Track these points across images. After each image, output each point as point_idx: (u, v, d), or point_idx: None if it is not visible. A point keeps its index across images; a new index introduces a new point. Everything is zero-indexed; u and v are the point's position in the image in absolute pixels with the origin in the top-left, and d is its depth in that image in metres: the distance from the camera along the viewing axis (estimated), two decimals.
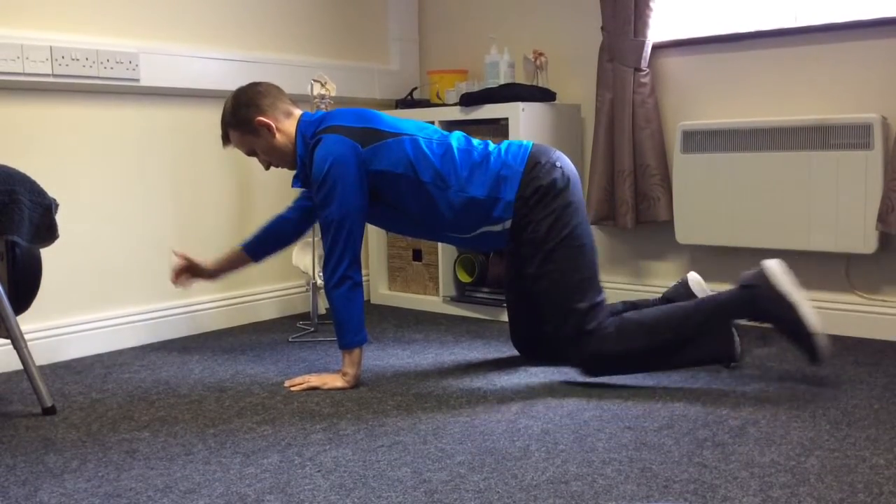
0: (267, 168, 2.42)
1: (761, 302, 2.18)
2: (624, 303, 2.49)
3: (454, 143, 2.31)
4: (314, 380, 2.29)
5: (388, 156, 2.25)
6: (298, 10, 3.32)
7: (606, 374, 2.25)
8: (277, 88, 2.39)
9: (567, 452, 1.76)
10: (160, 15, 2.88)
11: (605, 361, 2.22)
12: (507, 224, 2.28)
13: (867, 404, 2.04)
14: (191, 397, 2.23)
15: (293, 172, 2.59)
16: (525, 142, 2.35)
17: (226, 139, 2.40)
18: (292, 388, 2.27)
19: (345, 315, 2.26)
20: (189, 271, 2.60)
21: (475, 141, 2.35)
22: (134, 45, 2.77)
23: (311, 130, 2.31)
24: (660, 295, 2.47)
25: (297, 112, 2.38)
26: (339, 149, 2.22)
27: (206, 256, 2.62)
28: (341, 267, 2.24)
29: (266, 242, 2.61)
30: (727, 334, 2.20)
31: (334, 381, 2.28)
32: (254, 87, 2.37)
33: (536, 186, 2.24)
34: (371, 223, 2.42)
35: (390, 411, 2.07)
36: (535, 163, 2.27)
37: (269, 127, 2.32)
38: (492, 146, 2.34)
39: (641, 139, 3.01)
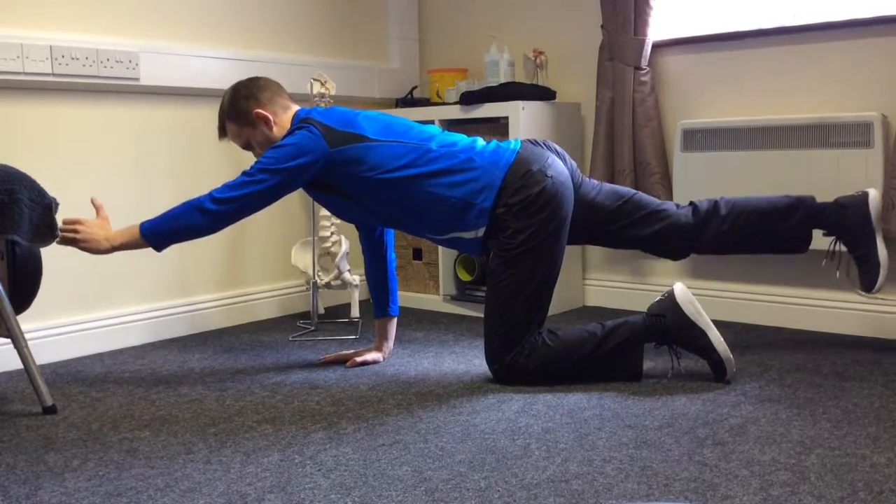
0: None
1: (672, 331, 2.24)
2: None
3: (433, 146, 2.27)
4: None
5: (356, 158, 2.23)
6: (298, 9, 3.32)
7: (516, 384, 2.26)
8: (277, 84, 2.39)
9: (567, 451, 1.76)
10: (160, 14, 2.88)
11: (518, 374, 2.25)
12: (481, 232, 2.26)
13: (867, 403, 2.04)
14: (191, 396, 2.23)
15: None
16: (514, 143, 2.32)
17: (222, 131, 2.40)
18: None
19: (177, 223, 2.17)
20: (356, 356, 2.53)
21: (461, 143, 2.31)
22: (134, 45, 2.77)
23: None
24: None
25: (295, 107, 2.39)
26: (308, 140, 2.22)
27: (376, 347, 2.58)
28: (232, 195, 2.17)
29: (382, 292, 2.55)
30: (635, 360, 2.26)
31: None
32: (254, 80, 2.37)
33: (525, 195, 2.21)
34: (351, 220, 2.43)
35: (391, 410, 2.07)
36: (525, 170, 2.23)
37: (266, 120, 2.32)
38: (478, 148, 2.29)
39: (641, 138, 3.01)
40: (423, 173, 2.24)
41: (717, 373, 2.25)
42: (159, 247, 2.20)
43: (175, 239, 2.20)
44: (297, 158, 2.20)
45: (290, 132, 2.28)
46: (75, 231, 2.18)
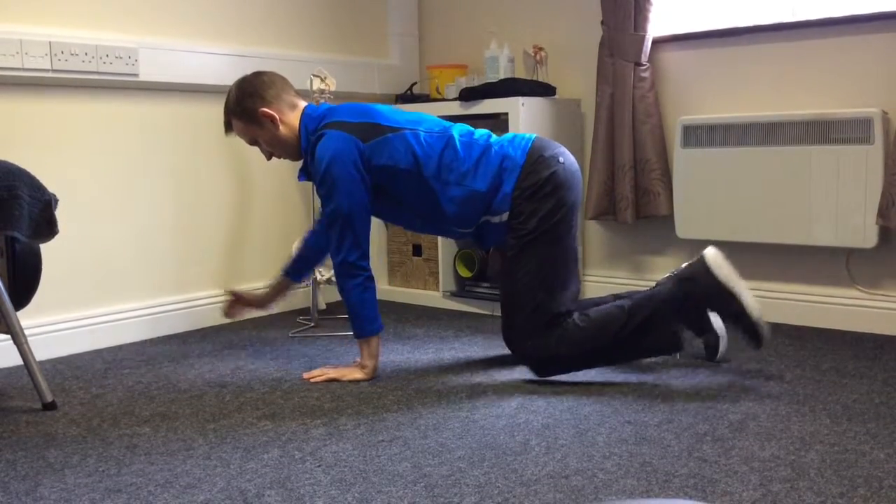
0: (269, 158, 2.43)
1: (702, 294, 2.18)
2: (615, 296, 2.48)
3: (456, 135, 2.30)
4: (332, 372, 2.31)
5: (389, 150, 2.25)
6: (298, 5, 3.32)
7: (553, 374, 2.25)
8: (282, 79, 2.38)
9: (567, 447, 1.76)
10: (159, 10, 2.88)
11: (554, 364, 2.24)
12: (505, 216, 2.27)
13: (867, 398, 2.04)
14: (191, 392, 2.23)
15: (294, 166, 2.61)
16: (529, 134, 2.34)
17: (228, 127, 2.40)
18: (312, 380, 2.29)
19: (358, 305, 2.27)
20: (239, 304, 2.65)
21: (477, 132, 2.34)
22: (133, 40, 2.77)
23: (313, 125, 2.32)
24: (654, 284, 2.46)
25: (302, 104, 2.38)
26: (339, 145, 2.22)
27: (257, 294, 2.70)
28: (350, 259, 2.25)
29: (303, 260, 2.62)
30: (671, 328, 2.19)
31: (353, 373, 2.30)
32: (259, 76, 2.36)
33: (535, 180, 2.23)
34: (376, 217, 2.42)
35: (390, 406, 2.07)
36: (538, 155, 2.26)
37: (272, 119, 2.32)
38: (494, 138, 2.32)
39: (642, 134, 3.01)
40: (454, 167, 2.26)
41: (752, 339, 2.15)
42: (379, 328, 2.32)
43: (375, 308, 2.30)
44: (344, 171, 2.22)
45: (315, 146, 2.28)
46: (328, 375, 2.31)
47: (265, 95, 2.32)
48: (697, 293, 2.18)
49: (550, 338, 2.21)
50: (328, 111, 2.33)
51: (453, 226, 2.33)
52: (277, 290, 2.65)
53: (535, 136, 2.33)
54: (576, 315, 2.24)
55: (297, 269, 2.63)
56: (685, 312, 2.20)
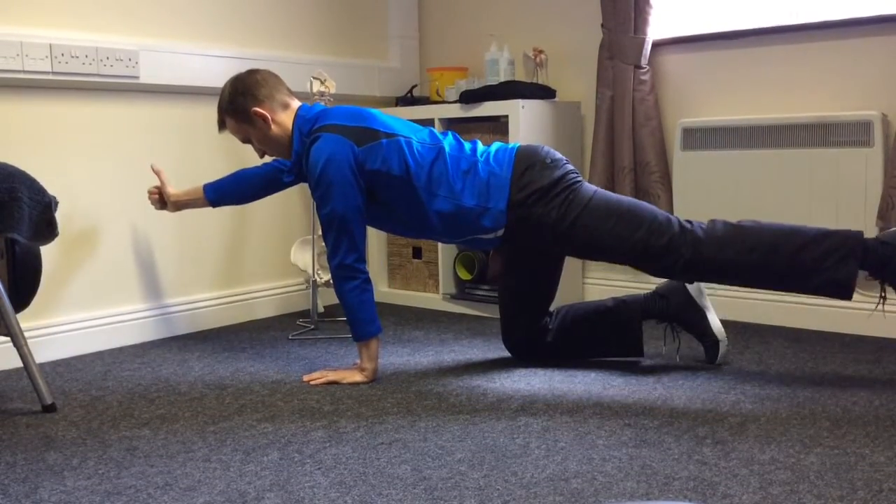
0: (261, 157, 2.45)
1: (894, 266, 2.07)
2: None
3: (446, 148, 2.28)
4: (332, 374, 2.31)
5: (383, 156, 2.24)
6: (299, 7, 3.32)
7: (704, 279, 2.17)
8: (275, 77, 2.39)
9: (567, 450, 1.76)
10: (160, 12, 2.88)
11: (700, 267, 2.14)
12: (500, 232, 2.26)
13: (867, 402, 2.04)
14: (191, 395, 2.23)
15: None
16: (511, 144, 2.33)
17: (221, 125, 2.42)
18: (311, 383, 2.29)
19: (356, 307, 2.27)
20: (160, 194, 2.67)
21: (466, 145, 2.32)
22: (134, 43, 2.77)
23: (307, 127, 2.32)
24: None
25: (295, 104, 2.38)
26: (334, 148, 2.22)
27: (174, 190, 2.70)
28: (347, 261, 2.25)
29: (227, 192, 2.64)
30: (847, 274, 2.05)
31: (353, 375, 2.30)
32: (252, 74, 2.37)
33: (533, 189, 2.21)
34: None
35: (390, 409, 2.07)
36: (525, 167, 2.24)
37: (264, 118, 2.32)
38: (480, 150, 2.31)
39: (641, 136, 3.01)
40: (443, 181, 2.25)
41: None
42: (377, 330, 2.30)
43: (373, 310, 2.29)
44: (339, 174, 2.21)
45: (309, 148, 2.27)
46: (327, 377, 2.30)
47: (257, 94, 2.33)
48: (892, 263, 2.06)
49: (676, 251, 2.13)
50: (322, 113, 2.33)
51: (441, 235, 2.33)
52: (191, 202, 2.65)
53: (517, 145, 2.31)
54: (732, 222, 2.16)
55: (219, 195, 2.64)
56: (871, 269, 2.09)
